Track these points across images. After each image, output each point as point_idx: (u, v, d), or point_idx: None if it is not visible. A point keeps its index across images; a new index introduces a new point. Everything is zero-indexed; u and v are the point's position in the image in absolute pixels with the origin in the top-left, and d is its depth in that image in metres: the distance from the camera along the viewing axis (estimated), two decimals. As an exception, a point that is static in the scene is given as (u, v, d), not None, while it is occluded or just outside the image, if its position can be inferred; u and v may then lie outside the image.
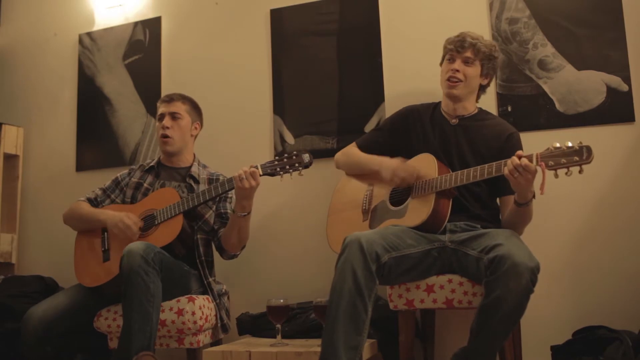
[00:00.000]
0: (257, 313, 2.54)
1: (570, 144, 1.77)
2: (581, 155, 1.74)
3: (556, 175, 1.79)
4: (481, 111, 2.30)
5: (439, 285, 1.99)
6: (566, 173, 1.77)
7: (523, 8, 2.59)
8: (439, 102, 2.35)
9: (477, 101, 2.32)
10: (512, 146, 2.12)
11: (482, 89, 2.31)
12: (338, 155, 2.46)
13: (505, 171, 1.86)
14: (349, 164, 2.41)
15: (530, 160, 1.82)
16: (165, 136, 2.54)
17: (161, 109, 2.59)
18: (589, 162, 1.74)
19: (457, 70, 2.21)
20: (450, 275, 2.00)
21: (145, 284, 2.05)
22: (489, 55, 2.22)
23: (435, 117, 2.29)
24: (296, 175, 2.23)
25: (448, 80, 2.23)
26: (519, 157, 1.83)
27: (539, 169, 1.80)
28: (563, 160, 1.77)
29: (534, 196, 1.95)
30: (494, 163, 1.93)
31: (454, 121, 2.25)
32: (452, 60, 2.24)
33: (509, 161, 1.85)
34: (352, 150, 2.42)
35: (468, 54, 2.20)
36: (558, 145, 1.79)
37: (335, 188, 2.49)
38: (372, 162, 2.27)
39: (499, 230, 2.01)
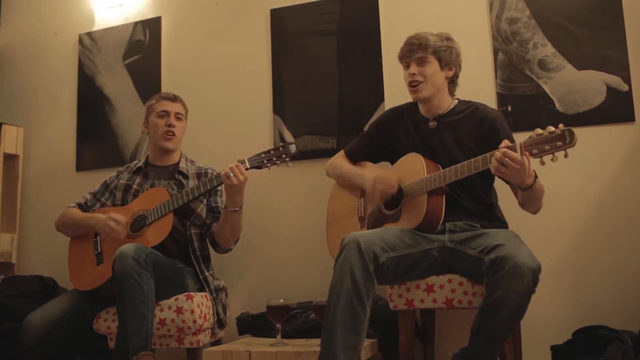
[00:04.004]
0: (257, 313, 2.54)
1: (552, 129, 1.75)
2: (564, 140, 1.73)
3: (542, 163, 1.78)
4: (460, 103, 2.26)
5: (439, 285, 1.99)
6: (552, 159, 1.76)
7: (523, 8, 2.59)
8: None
9: (452, 95, 2.27)
10: (497, 132, 2.09)
11: (452, 81, 2.26)
12: (327, 165, 2.48)
13: (492, 169, 1.84)
14: (337, 177, 2.44)
15: (514, 151, 1.80)
16: (170, 133, 2.56)
17: (164, 106, 2.60)
18: (573, 145, 1.72)
19: (414, 74, 2.18)
20: (450, 275, 2.00)
21: (138, 286, 2.05)
22: (440, 46, 2.18)
23: (417, 119, 2.27)
24: (295, 174, 2.23)
25: (409, 85, 2.21)
26: (502, 151, 1.80)
27: (524, 158, 1.78)
28: (547, 147, 1.75)
29: (536, 176, 1.93)
30: (480, 157, 1.92)
31: (432, 124, 2.22)
32: (407, 66, 2.22)
33: (493, 158, 1.83)
34: (338, 162, 2.42)
35: (419, 54, 2.18)
36: (540, 131, 1.77)
37: (330, 196, 2.48)
38: (355, 176, 2.30)
39: (499, 231, 2.01)
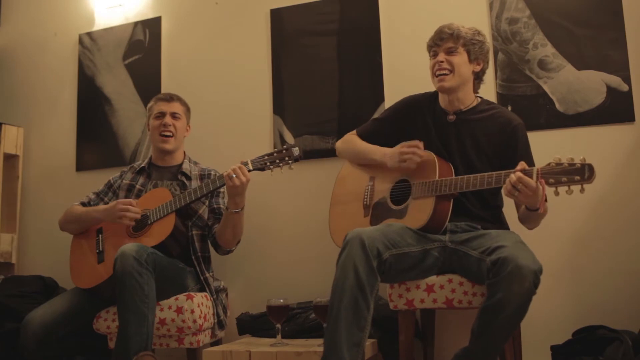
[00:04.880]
0: (257, 313, 2.54)
1: (572, 160, 1.74)
2: (583, 175, 1.72)
3: (556, 193, 1.77)
4: (482, 102, 2.22)
5: (439, 285, 1.99)
6: (567, 191, 1.75)
7: (523, 8, 2.59)
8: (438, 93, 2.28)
9: (476, 92, 2.24)
10: (516, 140, 2.08)
11: (478, 77, 2.22)
12: (338, 143, 2.44)
13: (505, 192, 1.84)
14: (350, 153, 2.38)
15: (530, 176, 1.79)
16: (165, 134, 2.56)
17: (160, 107, 2.60)
18: (590, 182, 1.72)
19: (442, 62, 2.13)
20: (450, 275, 2.00)
21: (139, 286, 2.05)
22: (471, 39, 2.14)
23: (436, 111, 2.23)
24: (295, 174, 2.23)
25: (436, 74, 2.16)
26: (518, 176, 1.79)
27: (539, 184, 1.78)
28: (564, 179, 1.75)
29: (546, 199, 1.93)
30: (494, 174, 1.91)
31: (451, 118, 2.18)
32: (435, 55, 2.17)
33: (507, 180, 1.82)
34: (352, 138, 2.38)
35: (449, 44, 2.13)
36: (560, 160, 1.77)
37: (338, 176, 2.47)
38: (374, 152, 2.25)
39: (500, 232, 2.01)
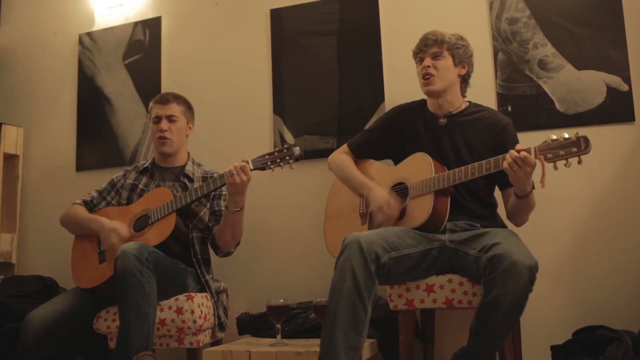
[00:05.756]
0: (257, 313, 2.54)
1: (567, 136, 1.77)
2: (579, 146, 1.75)
3: (555, 167, 1.80)
4: (471, 105, 2.26)
5: (439, 285, 1.99)
6: (565, 165, 1.78)
7: (523, 8, 2.59)
8: (426, 99, 2.32)
9: (463, 95, 2.27)
10: (507, 138, 2.10)
11: (464, 80, 2.26)
12: (331, 159, 2.43)
13: (505, 165, 1.86)
14: (340, 177, 2.39)
15: (529, 154, 1.82)
16: (162, 138, 2.55)
17: (157, 110, 2.58)
18: (587, 153, 1.75)
19: (428, 66, 2.19)
20: (450, 275, 2.00)
21: (140, 284, 2.05)
22: (454, 43, 2.20)
23: (426, 117, 2.26)
24: (295, 174, 2.22)
25: (422, 78, 2.21)
26: (518, 151, 1.83)
27: (538, 162, 1.81)
28: (561, 152, 1.77)
29: (533, 187, 1.96)
30: (492, 159, 1.93)
31: (442, 121, 2.21)
32: (421, 60, 2.23)
33: (507, 155, 1.85)
34: (344, 160, 2.38)
35: (434, 49, 2.19)
36: (555, 137, 1.80)
37: (330, 191, 2.46)
38: (362, 187, 2.24)
39: (498, 230, 2.01)
